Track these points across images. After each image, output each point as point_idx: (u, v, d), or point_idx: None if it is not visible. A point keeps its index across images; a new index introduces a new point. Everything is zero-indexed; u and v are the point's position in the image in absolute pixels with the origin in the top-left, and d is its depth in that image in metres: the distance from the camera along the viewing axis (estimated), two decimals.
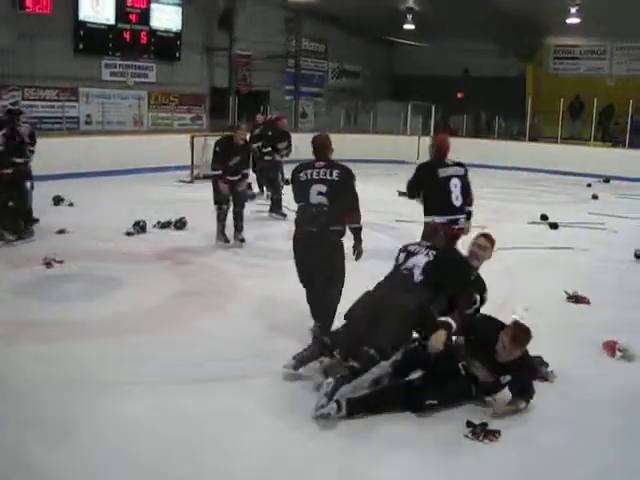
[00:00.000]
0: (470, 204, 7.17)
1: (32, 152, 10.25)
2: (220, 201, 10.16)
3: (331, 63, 29.28)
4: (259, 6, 23.43)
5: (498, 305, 6.14)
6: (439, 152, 7.23)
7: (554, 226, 12.53)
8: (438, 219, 6.95)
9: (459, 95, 28.28)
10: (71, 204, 13.18)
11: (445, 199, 6.93)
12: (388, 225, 11.81)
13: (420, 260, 5.38)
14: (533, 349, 5.11)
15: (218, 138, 10.81)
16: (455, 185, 7.00)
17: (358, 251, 6.08)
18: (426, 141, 22.61)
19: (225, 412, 4.79)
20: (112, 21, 20.90)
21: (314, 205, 5.82)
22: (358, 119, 28.29)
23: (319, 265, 5.88)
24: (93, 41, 20.46)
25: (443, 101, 26.12)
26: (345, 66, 29.82)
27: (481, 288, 5.66)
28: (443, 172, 7.02)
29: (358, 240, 6.06)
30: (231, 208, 10.22)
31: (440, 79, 27.36)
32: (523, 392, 4.93)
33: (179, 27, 22.59)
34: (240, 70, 24.92)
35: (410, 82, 28.71)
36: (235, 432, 4.54)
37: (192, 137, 18.02)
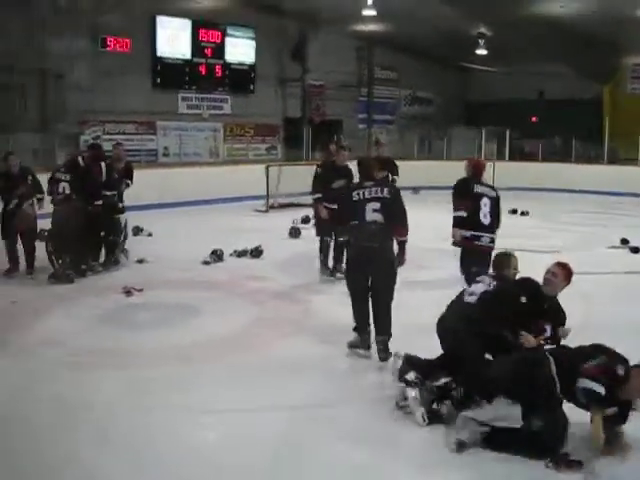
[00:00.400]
0: (497, 227, 7.59)
1: (127, 185, 10.83)
2: (323, 233, 9.82)
3: (403, 90, 29.28)
4: (331, 36, 23.65)
5: (575, 332, 5.98)
6: (475, 171, 7.80)
7: (635, 250, 12.18)
8: (462, 232, 7.34)
9: (533, 119, 27.92)
10: (150, 234, 13.47)
11: (473, 213, 7.32)
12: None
13: (479, 288, 5.58)
14: None
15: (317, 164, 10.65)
16: (485, 204, 7.37)
17: (400, 262, 6.50)
18: (501, 166, 22.45)
19: (300, 441, 4.78)
20: (188, 56, 21.50)
21: (371, 222, 6.27)
22: (432, 146, 28.15)
23: (380, 278, 6.33)
24: (170, 76, 21.07)
25: (517, 125, 25.82)
26: (418, 93, 29.79)
27: (553, 318, 5.44)
28: (477, 188, 7.48)
29: (402, 252, 6.54)
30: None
31: (514, 103, 27.08)
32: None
33: (253, 60, 23.05)
34: (313, 100, 25.20)
35: (483, 107, 28.50)
36: (312, 462, 4.52)
37: (267, 167, 18.25)
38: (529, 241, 12.22)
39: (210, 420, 5.11)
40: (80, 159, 10.29)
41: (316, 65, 24.19)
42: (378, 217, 6.25)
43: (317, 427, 4.99)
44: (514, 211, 16.93)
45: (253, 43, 22.99)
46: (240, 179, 18.80)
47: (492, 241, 7.46)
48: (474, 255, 7.29)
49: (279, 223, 13.79)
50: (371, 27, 23.05)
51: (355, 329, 6.56)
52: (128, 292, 8.71)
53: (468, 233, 7.35)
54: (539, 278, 5.64)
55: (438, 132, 27.46)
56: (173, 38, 21.04)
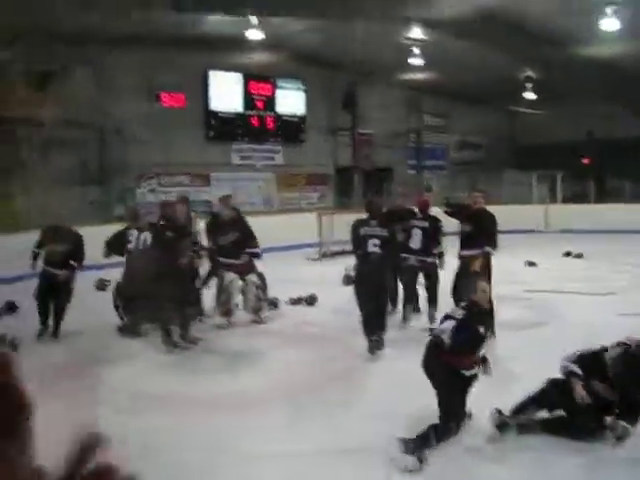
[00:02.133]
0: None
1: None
2: None
3: (453, 136, 29.45)
4: (380, 86, 24.05)
5: None
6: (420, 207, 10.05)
7: None
8: None
9: (585, 160, 27.76)
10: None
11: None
12: (518, 296, 11.53)
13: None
14: None
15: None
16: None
17: None
18: (553, 209, 22.27)
19: None
20: (240, 109, 22.06)
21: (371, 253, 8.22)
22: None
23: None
24: (223, 128, 21.66)
25: (569, 167, 25.71)
26: (467, 138, 29.91)
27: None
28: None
29: None
30: None
31: (564, 145, 26.98)
32: None
33: (303, 111, 23.53)
34: (363, 148, 25.50)
35: (533, 150, 28.45)
36: None
37: (319, 215, 18.46)
38: (583, 284, 12.14)
39: (279, 462, 5.21)
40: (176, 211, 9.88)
41: (366, 114, 24.56)
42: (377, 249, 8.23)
43: (376, 471, 5.05)
44: (568, 254, 16.80)
45: (303, 94, 23.50)
46: (293, 227, 19.04)
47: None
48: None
49: (332, 271, 13.91)
50: (418, 75, 23.37)
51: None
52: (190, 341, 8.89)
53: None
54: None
55: (489, 176, 27.44)
56: (225, 92, 21.65)
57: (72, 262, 9.46)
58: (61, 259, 9.36)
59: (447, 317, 5.77)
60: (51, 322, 9.31)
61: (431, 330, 7.67)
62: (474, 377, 5.62)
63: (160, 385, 7.21)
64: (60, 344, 8.97)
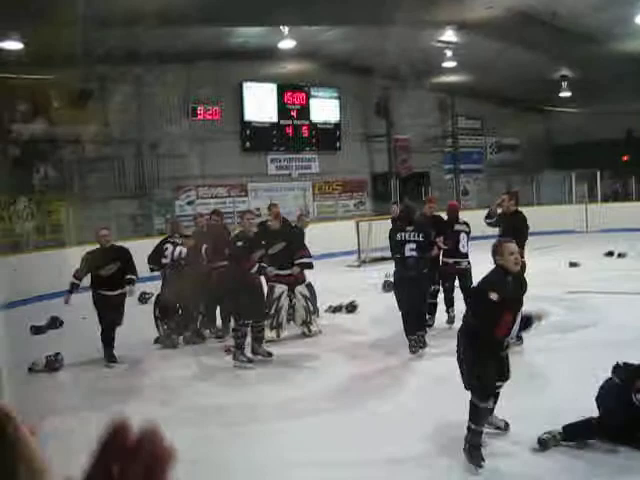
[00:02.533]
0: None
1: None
2: None
3: (489, 138, 29.26)
4: (413, 91, 23.97)
5: None
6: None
7: None
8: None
9: (624, 158, 27.38)
10: None
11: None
12: (561, 297, 11.39)
13: None
14: None
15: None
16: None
17: None
18: (592, 208, 22.03)
19: None
20: (275, 119, 22.16)
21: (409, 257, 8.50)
22: (520, 192, 27.82)
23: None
24: (258, 139, 21.75)
25: (608, 165, 25.37)
26: (503, 140, 29.68)
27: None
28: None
29: None
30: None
31: (602, 143, 26.67)
32: None
33: (337, 118, 23.56)
34: (399, 154, 25.44)
35: (571, 150, 28.11)
36: None
37: (357, 222, 18.47)
38: (627, 284, 11.95)
39: (308, 475, 5.22)
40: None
41: (401, 119, 24.51)
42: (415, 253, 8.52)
43: None
44: (610, 253, 16.56)
45: (337, 102, 23.54)
46: (331, 235, 19.05)
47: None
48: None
49: (372, 277, 13.90)
50: (452, 78, 23.28)
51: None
52: (228, 350, 8.94)
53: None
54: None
55: (526, 177, 27.19)
56: (260, 102, 21.76)
57: (126, 278, 9.07)
58: (113, 279, 8.95)
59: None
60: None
61: None
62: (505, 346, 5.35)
63: (200, 397, 7.25)
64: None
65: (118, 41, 15.85)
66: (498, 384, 5.37)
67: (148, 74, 18.40)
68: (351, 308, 11.52)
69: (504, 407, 5.57)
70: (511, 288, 5.26)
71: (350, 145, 24.01)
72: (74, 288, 8.96)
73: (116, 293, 8.95)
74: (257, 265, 8.50)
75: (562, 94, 24.97)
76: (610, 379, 5.38)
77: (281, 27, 17.26)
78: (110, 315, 8.81)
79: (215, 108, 20.68)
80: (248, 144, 21.73)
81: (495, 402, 5.43)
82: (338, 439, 5.83)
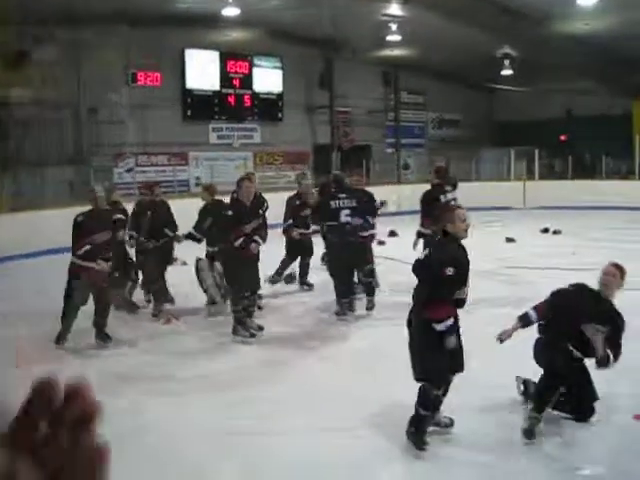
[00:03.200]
0: None
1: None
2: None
3: (431, 113, 29.46)
4: (357, 63, 23.96)
5: None
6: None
7: None
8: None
9: (562, 137, 27.87)
10: (184, 263, 13.48)
11: None
12: (498, 272, 11.58)
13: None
14: None
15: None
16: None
17: None
18: (531, 185, 22.38)
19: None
20: (217, 87, 21.88)
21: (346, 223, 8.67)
22: (460, 168, 28.09)
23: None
24: (200, 107, 21.49)
25: (546, 144, 25.79)
26: (445, 116, 29.92)
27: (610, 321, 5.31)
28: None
29: None
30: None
31: (542, 122, 27.12)
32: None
33: (280, 89, 23.40)
34: (341, 126, 25.42)
35: (511, 127, 28.54)
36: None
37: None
38: (563, 260, 12.18)
39: (278, 440, 5.22)
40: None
41: (343, 92, 24.50)
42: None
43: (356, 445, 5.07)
44: (546, 230, 16.87)
45: (280, 72, 23.36)
46: (272, 206, 18.87)
47: None
48: None
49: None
50: (396, 52, 23.31)
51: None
52: (168, 320, 8.86)
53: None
54: None
55: (467, 154, 27.46)
56: (202, 70, 21.46)
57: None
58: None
59: (417, 261, 5.35)
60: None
61: None
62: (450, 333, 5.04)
63: (142, 368, 7.17)
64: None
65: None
66: (451, 376, 5.12)
67: (87, 36, 17.99)
68: (289, 279, 11.44)
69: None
70: (466, 260, 5.06)
71: (292, 116, 23.89)
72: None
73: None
74: (242, 239, 7.92)
75: (504, 72, 25.23)
76: (539, 338, 5.43)
77: None
78: None
79: (155, 73, 20.29)
80: (189, 112, 21.43)
81: (444, 394, 5.11)
82: (270, 409, 5.83)
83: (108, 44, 18.17)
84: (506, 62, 24.78)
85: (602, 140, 24.42)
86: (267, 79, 23.14)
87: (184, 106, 21.32)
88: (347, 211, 8.71)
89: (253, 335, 8.08)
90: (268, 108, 23.21)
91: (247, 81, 22.68)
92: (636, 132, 25.44)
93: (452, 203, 8.51)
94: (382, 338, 7.70)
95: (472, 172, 25.95)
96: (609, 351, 5.02)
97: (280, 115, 23.55)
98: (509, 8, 19.16)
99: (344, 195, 8.86)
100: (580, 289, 5.44)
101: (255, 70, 22.85)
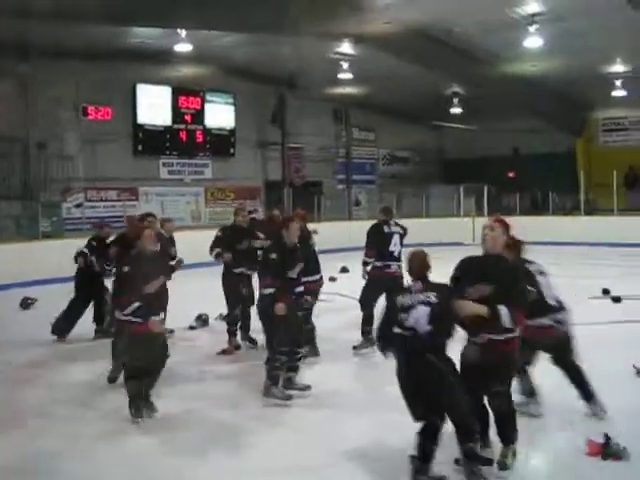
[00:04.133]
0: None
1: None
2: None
3: (381, 150, 29.78)
4: (308, 100, 24.15)
5: (564, 382, 6.08)
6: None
7: (617, 300, 12.24)
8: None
9: (510, 174, 28.38)
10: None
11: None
12: None
13: (421, 313, 4.95)
14: (608, 431, 5.17)
15: None
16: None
17: None
18: (480, 221, 22.58)
19: None
20: (169, 122, 21.88)
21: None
22: (410, 204, 28.29)
23: None
24: (151, 142, 21.45)
25: (495, 181, 26.21)
26: (395, 152, 30.28)
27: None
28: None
29: None
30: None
31: (490, 159, 27.63)
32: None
33: (232, 124, 23.45)
34: (293, 162, 25.54)
35: (460, 164, 28.98)
36: None
37: None
38: None
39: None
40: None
41: (295, 128, 24.67)
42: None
43: None
44: None
45: (232, 108, 23.42)
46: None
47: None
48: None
49: None
50: (348, 90, 23.57)
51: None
52: None
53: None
54: None
55: (417, 190, 27.72)
56: (153, 105, 21.41)
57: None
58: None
59: (408, 308, 4.93)
60: None
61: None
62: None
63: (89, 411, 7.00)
64: None
65: (6, 32, 15.30)
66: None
67: (38, 69, 17.86)
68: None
69: None
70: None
71: (244, 152, 23.93)
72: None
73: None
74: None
75: (453, 110, 25.73)
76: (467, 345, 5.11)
77: (178, 30, 17.02)
78: None
79: (106, 108, 20.18)
80: (140, 147, 21.32)
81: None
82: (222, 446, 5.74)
83: (58, 78, 18.04)
84: (455, 100, 25.30)
85: (548, 177, 24.94)
86: (219, 115, 23.17)
87: (135, 141, 21.20)
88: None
89: (289, 397, 6.75)
90: (220, 144, 23.21)
91: (199, 117, 22.67)
92: (580, 169, 26.11)
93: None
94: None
95: (422, 208, 26.21)
96: (500, 308, 4.73)
97: (232, 151, 23.56)
98: (458, 49, 19.57)
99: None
100: (463, 263, 5.37)
101: (207, 106, 22.87)
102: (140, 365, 6.33)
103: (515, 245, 6.34)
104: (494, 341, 4.85)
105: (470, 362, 4.93)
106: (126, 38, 18.17)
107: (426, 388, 4.81)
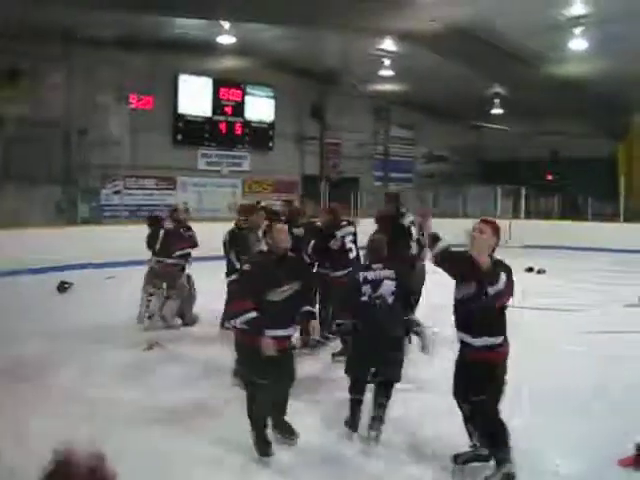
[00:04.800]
0: None
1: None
2: None
3: (420, 148, 29.63)
4: (348, 96, 24.14)
5: (598, 390, 6.03)
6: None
7: None
8: None
9: (549, 177, 28.10)
10: None
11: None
12: None
13: (387, 288, 5.74)
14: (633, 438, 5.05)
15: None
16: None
17: None
18: (518, 223, 22.48)
19: None
20: (209, 114, 21.99)
21: None
22: (447, 203, 28.16)
23: None
24: (191, 133, 21.57)
25: (533, 183, 25.99)
26: (434, 151, 30.09)
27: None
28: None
29: None
30: None
31: (529, 161, 27.35)
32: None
33: (272, 118, 23.51)
34: (331, 157, 25.55)
35: (499, 165, 28.73)
36: None
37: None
38: (546, 299, 12.24)
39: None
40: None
41: (334, 123, 24.68)
42: None
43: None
44: (530, 269, 16.91)
45: (273, 101, 23.48)
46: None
47: None
48: None
49: None
50: (388, 87, 23.48)
51: None
52: (151, 347, 8.74)
53: None
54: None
55: (454, 190, 27.58)
56: (194, 96, 21.54)
57: None
58: None
59: (373, 281, 5.75)
60: None
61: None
62: None
63: (119, 394, 7.08)
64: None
65: (53, 20, 15.50)
66: None
67: (81, 57, 18.09)
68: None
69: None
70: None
71: (283, 145, 24.00)
72: None
73: None
74: None
75: (494, 111, 25.52)
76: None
77: (221, 21, 17.10)
78: None
79: (148, 97, 20.36)
80: (180, 137, 21.48)
81: None
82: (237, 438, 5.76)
83: (102, 65, 18.22)
84: (496, 101, 25.08)
85: (588, 181, 24.66)
86: (259, 108, 23.25)
87: (175, 131, 21.37)
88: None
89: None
90: (259, 137, 23.30)
91: (239, 109, 22.78)
92: (621, 174, 25.74)
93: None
94: None
95: (459, 208, 26.07)
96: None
97: (270, 144, 23.64)
98: (502, 49, 19.42)
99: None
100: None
101: (247, 98, 22.97)
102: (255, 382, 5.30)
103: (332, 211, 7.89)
104: (483, 348, 4.87)
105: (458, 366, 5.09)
106: (170, 28, 18.32)
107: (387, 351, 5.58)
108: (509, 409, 5.11)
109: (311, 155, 25.18)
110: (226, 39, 17.73)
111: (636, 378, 7.45)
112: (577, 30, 16.85)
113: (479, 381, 4.86)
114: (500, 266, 4.81)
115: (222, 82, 22.25)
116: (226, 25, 17.27)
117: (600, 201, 25.43)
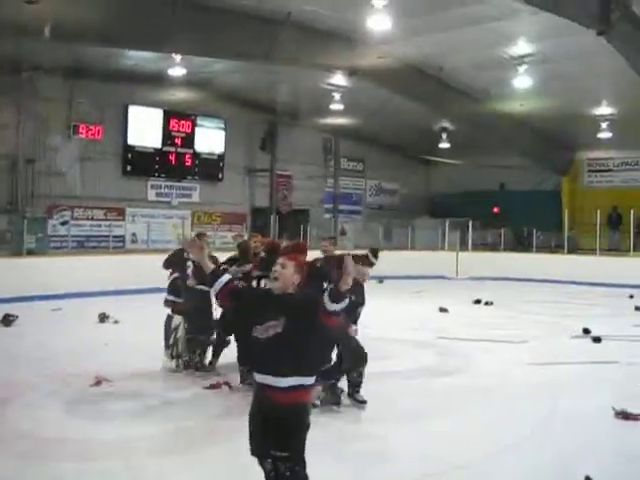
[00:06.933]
0: None
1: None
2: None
3: (369, 181, 29.91)
4: (299, 129, 24.31)
5: (539, 422, 6.09)
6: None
7: (597, 340, 12.26)
8: None
9: (495, 210, 28.59)
10: (116, 322, 13.19)
11: None
12: (432, 343, 11.52)
13: None
14: (583, 469, 5.14)
15: None
16: None
17: None
18: (464, 256, 22.81)
19: None
20: (159, 145, 21.91)
21: None
22: (396, 236, 28.37)
23: None
24: (140, 164, 21.44)
25: (480, 216, 26.38)
26: (383, 184, 30.40)
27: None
28: None
29: None
30: None
31: (476, 195, 27.79)
32: None
33: (222, 149, 23.51)
34: (280, 190, 25.63)
35: (446, 199, 29.14)
36: None
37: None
38: (494, 331, 12.38)
39: None
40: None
41: (284, 156, 24.81)
42: None
43: None
44: (478, 301, 17.08)
45: (223, 133, 23.51)
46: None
47: None
48: None
49: None
50: (338, 120, 23.75)
51: None
52: (98, 382, 8.50)
53: None
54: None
55: (402, 222, 27.82)
56: (145, 127, 21.46)
57: None
58: None
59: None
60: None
61: None
62: None
63: (63, 430, 6.93)
64: None
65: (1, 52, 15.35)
66: None
67: (31, 87, 17.90)
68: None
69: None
70: None
71: (233, 177, 24.01)
72: None
73: None
74: None
75: (441, 145, 25.97)
76: None
77: (173, 54, 17.16)
78: None
79: (97, 127, 20.24)
80: (129, 168, 21.35)
81: None
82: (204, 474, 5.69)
83: (51, 95, 18.09)
84: (443, 135, 25.54)
85: (533, 214, 25.15)
86: (209, 139, 23.26)
87: (124, 161, 21.24)
88: None
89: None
90: (209, 168, 23.28)
91: (189, 140, 22.76)
92: (565, 207, 26.35)
93: None
94: None
95: (408, 241, 26.30)
96: None
97: (220, 175, 23.63)
98: (449, 85, 19.84)
99: None
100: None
101: (198, 130, 22.97)
102: None
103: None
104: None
105: None
106: (120, 59, 18.29)
107: None
108: (452, 443, 5.11)
109: (261, 187, 25.22)
110: (177, 71, 17.79)
111: (585, 407, 7.51)
112: (522, 68, 17.34)
113: None
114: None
115: (172, 113, 22.22)
116: (177, 57, 17.34)
117: (545, 233, 25.94)
